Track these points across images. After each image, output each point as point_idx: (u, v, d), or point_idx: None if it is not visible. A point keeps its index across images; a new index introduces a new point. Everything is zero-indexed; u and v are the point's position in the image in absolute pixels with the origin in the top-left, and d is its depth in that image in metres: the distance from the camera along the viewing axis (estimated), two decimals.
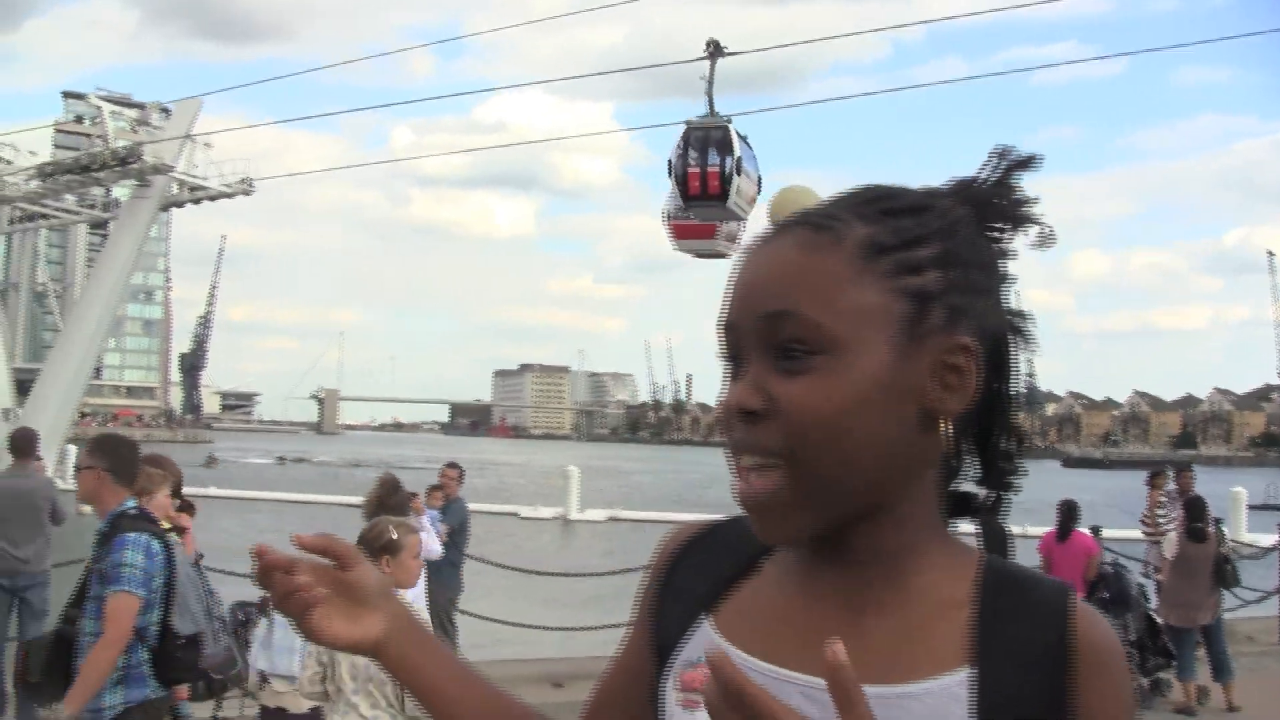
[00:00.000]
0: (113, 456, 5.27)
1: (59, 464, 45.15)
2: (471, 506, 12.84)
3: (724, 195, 28.31)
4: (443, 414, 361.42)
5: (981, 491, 1.24)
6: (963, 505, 1.24)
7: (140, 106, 48.34)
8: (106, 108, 44.36)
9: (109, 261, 43.77)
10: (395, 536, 5.09)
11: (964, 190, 1.23)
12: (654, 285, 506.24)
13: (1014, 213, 1.23)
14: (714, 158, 28.56)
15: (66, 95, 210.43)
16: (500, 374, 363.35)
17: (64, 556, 14.49)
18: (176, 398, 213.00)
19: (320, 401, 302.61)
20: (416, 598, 9.58)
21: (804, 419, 1.11)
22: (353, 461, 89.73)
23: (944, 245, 1.16)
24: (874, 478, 1.14)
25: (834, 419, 1.11)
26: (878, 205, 1.17)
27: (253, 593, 8.73)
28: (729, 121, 28.49)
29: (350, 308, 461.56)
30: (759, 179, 29.58)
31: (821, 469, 1.11)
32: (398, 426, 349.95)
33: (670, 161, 28.97)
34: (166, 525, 6.07)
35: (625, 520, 38.32)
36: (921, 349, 1.14)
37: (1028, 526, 11.33)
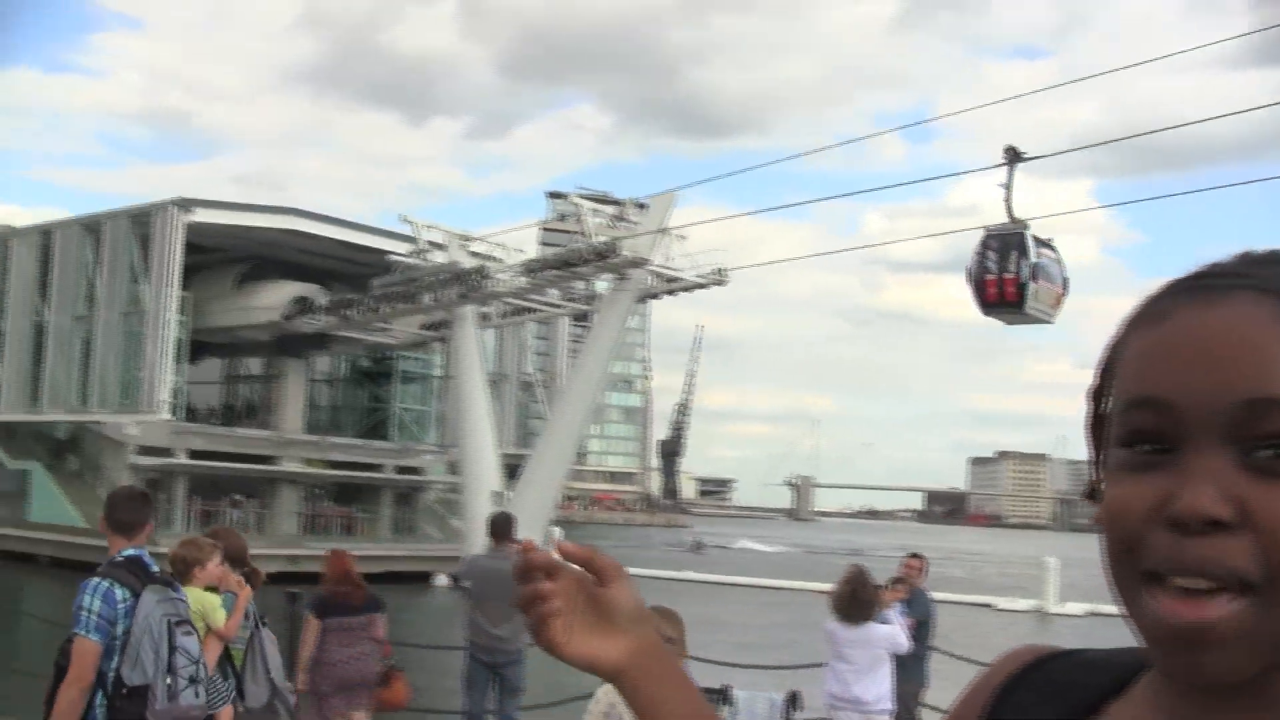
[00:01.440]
0: (112, 507, 5.74)
1: (544, 545, 47.94)
2: (944, 596, 12.54)
3: (1020, 301, 28.11)
4: (917, 501, 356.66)
5: None
6: None
7: (618, 203, 51.01)
8: (586, 205, 46.89)
9: (591, 352, 46.17)
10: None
11: None
12: None
13: None
14: (1011, 264, 28.02)
15: (550, 195, 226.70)
16: (976, 461, 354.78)
17: None
18: (656, 482, 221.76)
19: (794, 488, 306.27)
20: (879, 698, 9.42)
21: None
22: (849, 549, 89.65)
23: None
24: None
25: None
26: None
27: None
28: (1026, 227, 28.34)
29: (824, 393, 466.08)
30: (1064, 280, 29.25)
31: None
32: (872, 514, 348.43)
33: (968, 268, 28.49)
34: (208, 589, 6.88)
35: (1108, 615, 36.22)
36: None
37: None
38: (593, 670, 1.23)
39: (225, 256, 54.21)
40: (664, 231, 44.24)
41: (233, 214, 50.37)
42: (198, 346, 55.75)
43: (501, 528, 11.30)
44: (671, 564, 58.10)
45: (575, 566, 1.23)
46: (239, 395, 66.35)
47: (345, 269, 55.14)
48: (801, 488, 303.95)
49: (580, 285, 51.85)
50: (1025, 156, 29.04)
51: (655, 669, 1.23)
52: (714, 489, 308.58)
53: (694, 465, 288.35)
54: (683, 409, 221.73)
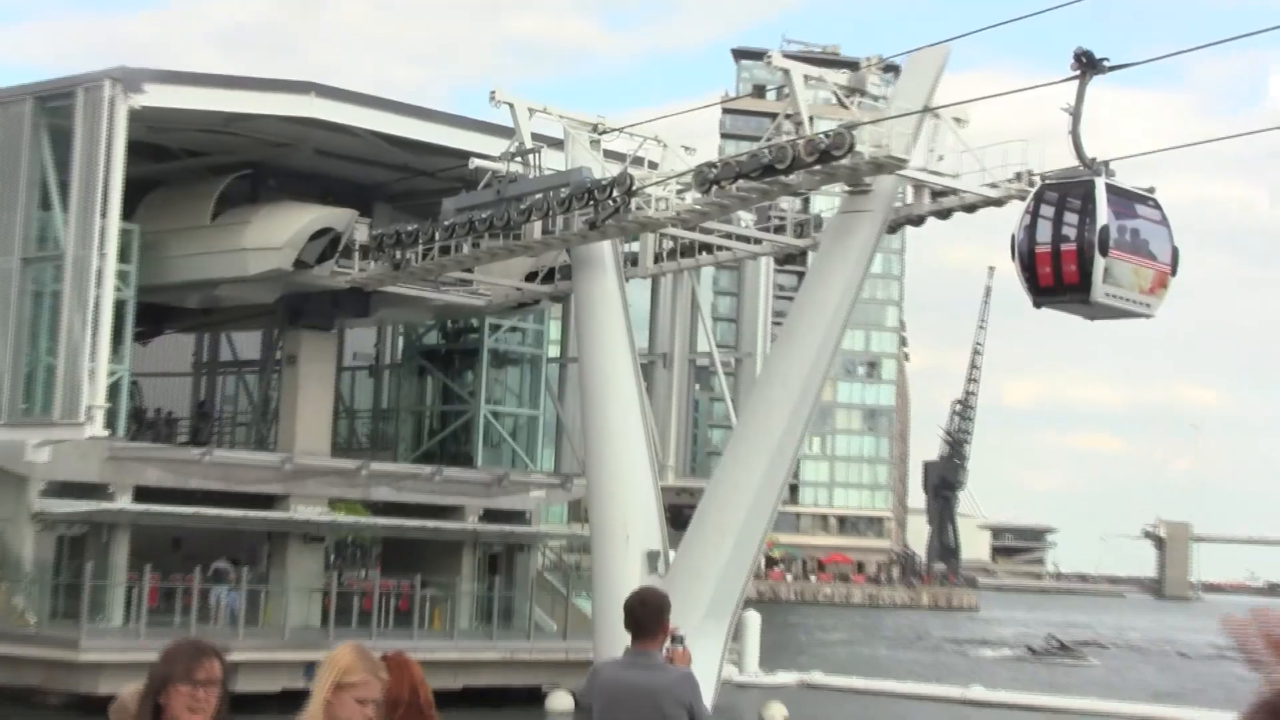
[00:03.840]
0: None
1: (730, 644, 47.65)
2: None
3: (1085, 284, 29.01)
4: None
5: None
6: None
7: (850, 65, 50.26)
8: (796, 70, 46.14)
9: (808, 316, 45.55)
10: None
11: None
12: None
13: None
14: (1071, 230, 30.39)
15: (739, 55, 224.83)
16: None
17: None
18: (918, 535, 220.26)
19: (1158, 542, 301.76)
20: None
21: None
22: None
23: None
24: None
25: None
26: None
27: None
28: (1100, 172, 28.79)
29: (1208, 379, 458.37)
30: (1173, 251, 31.42)
31: None
32: None
33: (1013, 236, 31.45)
34: None
35: None
36: None
37: None
38: None
39: (199, 165, 54.96)
40: (929, 112, 43.47)
41: (211, 94, 50.99)
42: (153, 314, 56.68)
43: (645, 618, 11.07)
44: (993, 678, 57.59)
45: None
46: (222, 394, 67.43)
47: (399, 182, 55.38)
48: (1170, 542, 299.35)
49: (789, 205, 51.35)
50: (1106, 66, 30.53)
51: None
52: (1018, 545, 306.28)
53: (984, 504, 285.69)
54: (964, 409, 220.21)
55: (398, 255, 51.46)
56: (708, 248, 52.79)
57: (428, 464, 58.40)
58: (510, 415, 62.06)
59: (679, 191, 46.40)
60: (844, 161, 42.59)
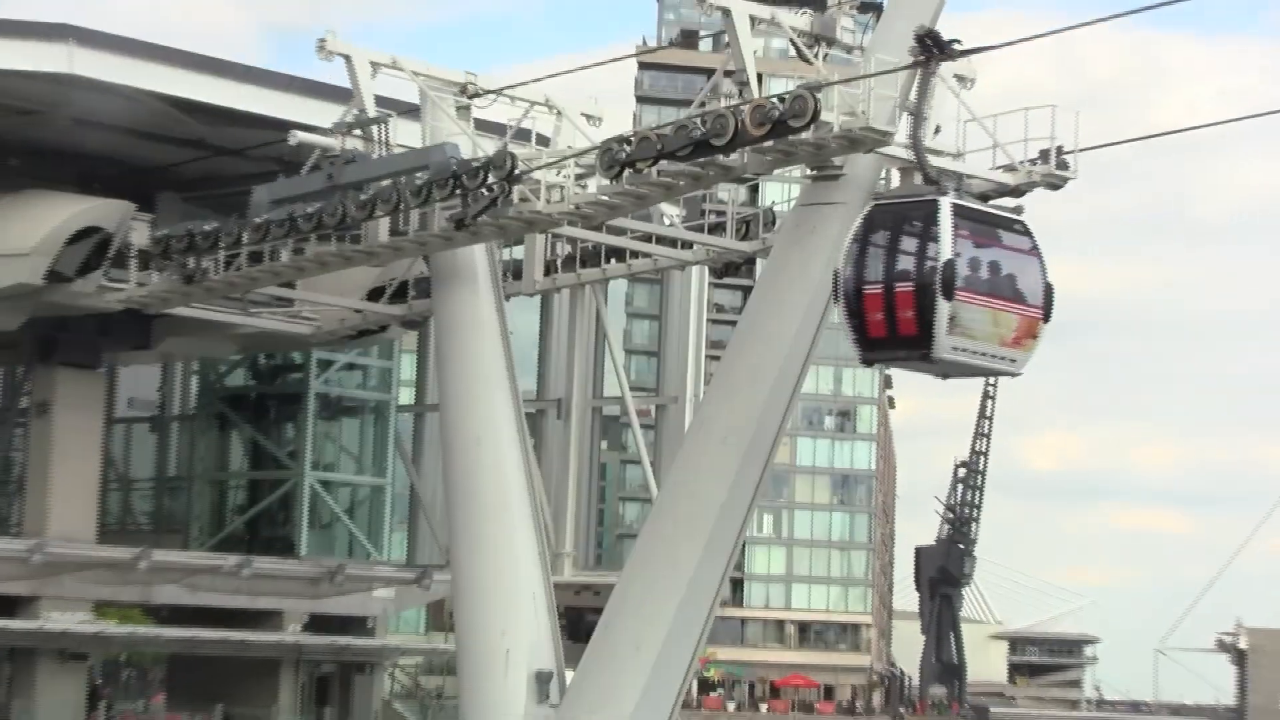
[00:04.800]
0: None
1: None
2: None
3: (925, 336, 31.40)
4: None
5: None
6: None
7: (812, 4, 50.57)
8: (740, 10, 46.47)
9: (756, 345, 45.71)
10: None
11: None
12: None
13: None
14: (909, 264, 32.16)
15: None
16: None
17: None
18: (908, 647, 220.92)
19: (1238, 657, 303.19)
20: None
21: None
22: None
23: None
24: None
25: None
26: None
27: None
28: (947, 190, 30.32)
29: None
30: (1047, 289, 32.87)
31: None
32: None
33: (836, 272, 33.80)
34: None
35: None
36: None
37: None
38: None
39: None
40: (920, 67, 43.90)
41: None
42: None
43: None
44: None
45: None
46: None
47: (192, 164, 55.59)
48: (1255, 656, 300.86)
49: (731, 194, 51.58)
50: (956, 50, 34.13)
51: None
52: (1046, 661, 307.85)
53: (998, 605, 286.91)
54: (970, 475, 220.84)
55: (190, 264, 51.41)
56: (618, 254, 52.98)
57: (232, 553, 58.41)
58: (346, 485, 62.28)
59: (579, 177, 46.66)
60: (805, 135, 42.88)
